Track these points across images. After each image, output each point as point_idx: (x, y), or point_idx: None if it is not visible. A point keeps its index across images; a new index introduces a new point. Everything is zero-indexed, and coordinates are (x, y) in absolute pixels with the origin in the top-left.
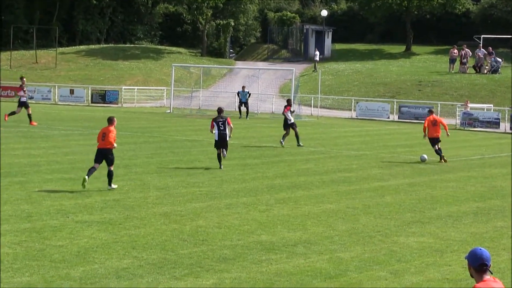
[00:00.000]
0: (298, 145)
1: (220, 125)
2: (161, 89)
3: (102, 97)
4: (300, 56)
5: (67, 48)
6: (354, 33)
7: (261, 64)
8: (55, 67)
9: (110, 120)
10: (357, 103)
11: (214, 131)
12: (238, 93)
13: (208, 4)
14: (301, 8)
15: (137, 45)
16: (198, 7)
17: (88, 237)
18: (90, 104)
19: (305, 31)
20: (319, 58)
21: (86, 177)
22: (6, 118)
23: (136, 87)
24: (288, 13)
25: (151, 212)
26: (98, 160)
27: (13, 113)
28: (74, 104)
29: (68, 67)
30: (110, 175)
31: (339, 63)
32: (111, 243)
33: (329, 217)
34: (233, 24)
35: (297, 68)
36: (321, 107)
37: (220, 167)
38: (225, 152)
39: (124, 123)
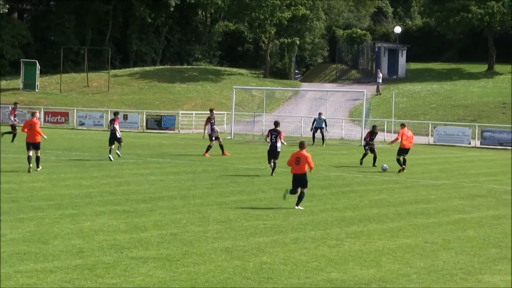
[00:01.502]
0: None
1: (273, 137)
2: (221, 114)
3: (157, 123)
4: (372, 76)
5: (120, 70)
6: (430, 51)
7: (329, 86)
8: (107, 91)
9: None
10: (434, 127)
11: (268, 141)
12: (314, 121)
13: (271, 22)
14: (372, 24)
15: (195, 66)
16: (260, 24)
17: (144, 274)
18: (145, 130)
19: (376, 49)
20: (381, 80)
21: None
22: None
23: (194, 112)
24: (358, 30)
25: (211, 247)
26: None
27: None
28: (127, 130)
29: (122, 90)
30: None
31: (414, 84)
32: (168, 281)
33: (405, 253)
34: (298, 42)
35: (368, 90)
36: (395, 132)
37: (271, 174)
38: (275, 161)
39: (182, 151)
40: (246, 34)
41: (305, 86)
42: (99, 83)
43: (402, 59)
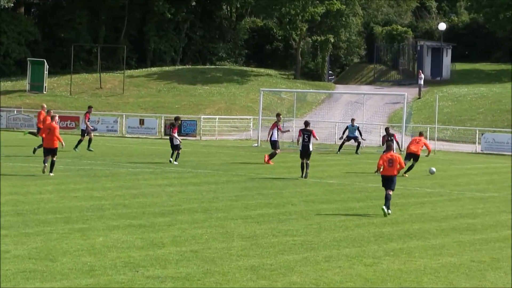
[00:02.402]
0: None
1: (305, 137)
2: (247, 118)
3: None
4: (413, 78)
5: (136, 70)
6: (478, 50)
7: (366, 88)
8: (122, 93)
9: None
10: (482, 134)
11: (300, 141)
12: (346, 128)
13: (303, 17)
14: (414, 21)
15: (219, 67)
16: (291, 20)
17: None
18: (163, 137)
19: (419, 48)
20: (423, 81)
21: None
22: None
23: (217, 116)
24: (399, 27)
25: (235, 265)
26: None
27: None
28: (144, 136)
29: (138, 92)
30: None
31: (460, 86)
32: None
33: (449, 273)
34: (332, 40)
35: (409, 93)
36: (439, 139)
37: (302, 176)
38: (308, 162)
39: (203, 159)
40: (275, 31)
41: (340, 88)
42: (113, 85)
43: (446, 59)
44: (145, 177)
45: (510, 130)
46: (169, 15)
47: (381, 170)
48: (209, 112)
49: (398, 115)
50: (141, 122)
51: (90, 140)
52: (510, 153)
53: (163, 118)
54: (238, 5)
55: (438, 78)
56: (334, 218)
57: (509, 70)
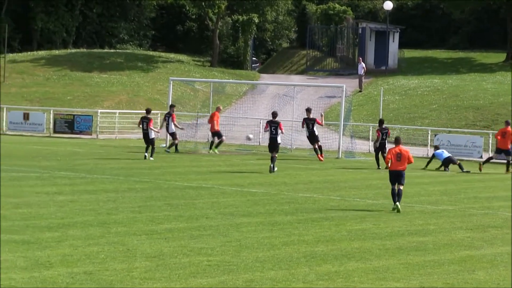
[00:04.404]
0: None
1: (272, 129)
2: (153, 114)
3: (69, 125)
4: (353, 67)
5: (20, 54)
6: (431, 34)
7: (297, 79)
8: (3, 81)
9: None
10: (435, 135)
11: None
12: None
13: None
14: None
15: (120, 51)
16: None
17: None
18: (52, 135)
19: (360, 31)
20: (364, 71)
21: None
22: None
23: (117, 111)
24: (337, 5)
25: None
26: None
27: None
28: (29, 134)
29: (22, 81)
30: None
31: (409, 78)
32: None
33: None
34: (257, 21)
35: (348, 85)
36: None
37: (272, 170)
38: (275, 156)
39: (100, 163)
40: (187, 8)
41: (265, 78)
42: None
43: (393, 44)
44: (30, 183)
45: (472, 130)
46: None
47: (389, 165)
48: (108, 105)
49: (335, 111)
50: (26, 116)
51: (175, 145)
52: (468, 158)
53: (52, 112)
54: None
55: (383, 68)
56: (257, 235)
57: (467, 58)
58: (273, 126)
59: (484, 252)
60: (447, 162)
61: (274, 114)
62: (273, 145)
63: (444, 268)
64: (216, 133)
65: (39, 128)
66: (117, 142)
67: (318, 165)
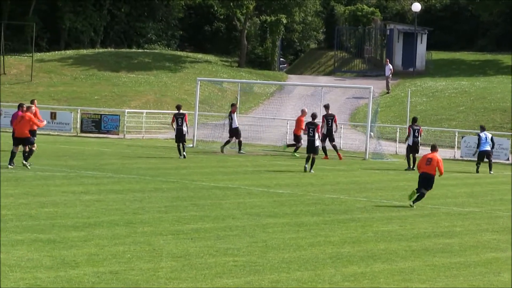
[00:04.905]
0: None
1: (310, 131)
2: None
3: (96, 124)
4: (381, 68)
5: (48, 53)
6: (459, 36)
7: (324, 80)
8: (30, 80)
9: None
10: (462, 137)
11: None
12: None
13: None
14: (383, 0)
15: (148, 51)
16: None
17: None
18: (79, 134)
19: (388, 32)
20: (391, 73)
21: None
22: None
23: (145, 111)
24: (365, 6)
25: None
26: None
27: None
28: (56, 133)
29: (49, 80)
30: None
31: (436, 80)
32: None
33: None
34: (285, 21)
35: (376, 86)
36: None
37: (307, 170)
38: (314, 157)
39: (127, 162)
40: (216, 9)
41: (293, 79)
42: (19, 70)
43: (421, 46)
44: (56, 182)
45: (499, 133)
46: None
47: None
48: (135, 105)
49: (362, 113)
50: (53, 115)
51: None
52: (495, 160)
53: (79, 111)
54: None
55: (411, 69)
56: (283, 235)
57: (495, 61)
58: (311, 127)
59: (510, 254)
60: (482, 155)
61: (314, 116)
62: (311, 147)
63: (470, 270)
64: (295, 137)
65: (66, 128)
66: (144, 142)
67: (345, 166)
